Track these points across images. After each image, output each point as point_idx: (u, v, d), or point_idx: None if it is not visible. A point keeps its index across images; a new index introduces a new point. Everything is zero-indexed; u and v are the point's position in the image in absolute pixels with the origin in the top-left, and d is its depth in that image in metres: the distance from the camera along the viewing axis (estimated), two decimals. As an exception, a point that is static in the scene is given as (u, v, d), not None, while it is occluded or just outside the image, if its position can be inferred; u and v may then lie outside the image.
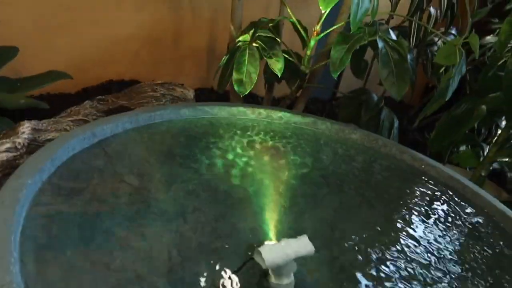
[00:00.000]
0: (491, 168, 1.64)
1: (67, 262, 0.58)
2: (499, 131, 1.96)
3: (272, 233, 0.76)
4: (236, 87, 1.08)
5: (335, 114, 1.83)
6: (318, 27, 1.19)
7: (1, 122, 0.90)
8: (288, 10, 1.23)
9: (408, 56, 1.15)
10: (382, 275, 0.70)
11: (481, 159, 1.58)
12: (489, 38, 1.50)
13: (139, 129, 0.93)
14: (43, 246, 0.58)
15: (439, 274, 0.72)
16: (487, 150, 1.66)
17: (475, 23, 1.49)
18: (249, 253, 0.67)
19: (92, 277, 0.57)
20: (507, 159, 1.53)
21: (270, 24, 1.27)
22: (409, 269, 0.72)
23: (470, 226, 0.85)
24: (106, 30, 1.41)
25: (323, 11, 1.02)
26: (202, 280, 0.62)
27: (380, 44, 1.12)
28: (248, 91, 1.08)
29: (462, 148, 1.81)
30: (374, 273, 0.70)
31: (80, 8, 1.33)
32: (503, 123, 1.96)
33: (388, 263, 0.73)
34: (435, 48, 1.67)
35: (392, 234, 0.80)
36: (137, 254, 0.63)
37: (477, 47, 1.05)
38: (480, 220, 0.87)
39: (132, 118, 0.93)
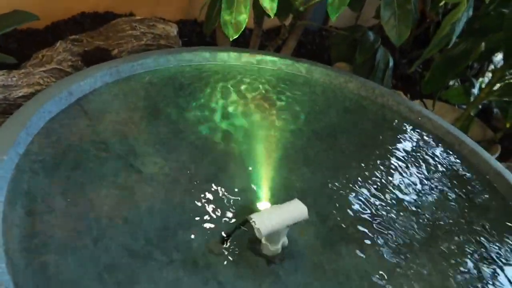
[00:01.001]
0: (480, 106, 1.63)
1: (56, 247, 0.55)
2: (491, 67, 1.93)
3: (263, 194, 0.74)
4: (225, 30, 0.98)
5: (326, 47, 1.75)
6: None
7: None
8: None
9: (412, -4, 1.06)
10: (375, 232, 0.70)
11: (471, 98, 1.56)
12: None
13: (120, 82, 0.86)
14: (28, 235, 0.55)
15: (428, 229, 0.73)
16: (477, 87, 1.64)
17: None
18: (241, 217, 0.65)
19: (80, 255, 0.55)
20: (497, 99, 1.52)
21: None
22: (401, 226, 0.73)
23: (464, 184, 0.85)
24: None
25: None
26: (194, 245, 0.61)
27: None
28: (239, 34, 0.99)
29: (452, 82, 1.78)
30: (366, 231, 0.70)
31: None
32: (497, 58, 1.92)
33: (380, 220, 0.73)
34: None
35: (386, 190, 0.79)
36: (125, 224, 0.61)
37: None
38: (475, 178, 0.87)
39: (112, 70, 0.85)
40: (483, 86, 1.59)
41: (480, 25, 1.32)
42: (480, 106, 1.64)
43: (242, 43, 1.47)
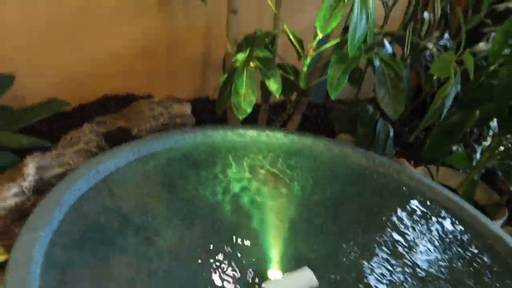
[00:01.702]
0: (483, 170, 1.68)
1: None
2: (491, 132, 2.01)
3: (274, 263, 0.79)
4: (235, 111, 1.09)
5: (329, 119, 1.85)
6: (314, 44, 1.19)
7: (3, 156, 0.90)
8: (285, 27, 1.23)
9: (404, 74, 1.17)
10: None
11: (474, 162, 1.61)
12: (482, 45, 1.51)
13: (141, 159, 0.94)
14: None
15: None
16: (479, 152, 1.70)
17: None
18: (254, 286, 0.69)
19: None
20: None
21: (266, 40, 1.28)
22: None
23: (466, 249, 0.89)
24: (100, 44, 1.40)
25: (320, 35, 1.02)
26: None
27: (377, 63, 1.13)
28: (248, 114, 1.09)
29: (455, 148, 1.85)
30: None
31: (73, 24, 1.31)
32: (494, 123, 2.00)
33: (385, 285, 0.76)
34: (429, 53, 1.68)
35: (391, 257, 0.83)
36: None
37: (471, 68, 1.07)
38: (476, 243, 0.90)
39: (135, 149, 0.94)
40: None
41: (472, 96, 1.42)
42: (483, 170, 1.69)
43: (251, 117, 1.59)
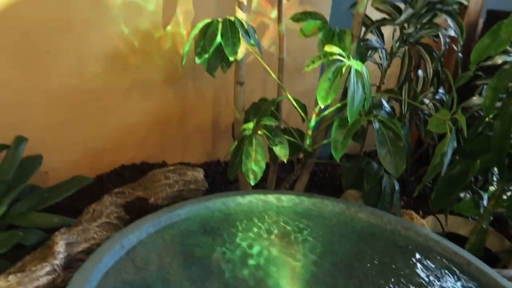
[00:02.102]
0: (491, 217, 1.71)
1: None
2: (495, 178, 2.05)
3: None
4: (247, 177, 1.16)
5: (337, 175, 1.92)
6: (317, 109, 1.28)
7: (33, 234, 0.97)
8: (288, 95, 1.33)
9: (403, 132, 1.24)
10: None
11: (481, 209, 1.64)
12: (475, 99, 1.60)
13: (161, 231, 1.00)
14: None
15: None
16: (486, 198, 1.74)
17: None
18: None
19: None
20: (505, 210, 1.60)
21: (272, 108, 1.37)
22: None
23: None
24: (116, 118, 1.50)
25: (322, 105, 1.11)
26: None
27: (376, 125, 1.21)
28: (259, 179, 1.16)
29: (462, 195, 1.88)
30: None
31: (91, 101, 1.42)
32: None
33: None
34: (426, 106, 1.77)
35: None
36: None
37: (464, 125, 1.14)
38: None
39: (155, 221, 1.00)
40: (492, 196, 1.68)
41: (472, 147, 1.49)
42: (491, 217, 1.71)
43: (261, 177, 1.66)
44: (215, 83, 1.62)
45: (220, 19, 1.22)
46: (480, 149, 1.44)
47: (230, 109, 1.51)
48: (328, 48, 1.09)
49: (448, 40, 1.46)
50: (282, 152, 1.20)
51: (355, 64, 1.09)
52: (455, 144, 1.21)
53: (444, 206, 1.54)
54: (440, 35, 1.42)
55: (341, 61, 1.10)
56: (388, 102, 1.51)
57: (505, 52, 1.53)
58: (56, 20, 1.25)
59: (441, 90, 1.75)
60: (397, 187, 1.48)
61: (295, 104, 1.34)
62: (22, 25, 1.19)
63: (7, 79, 1.22)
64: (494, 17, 2.14)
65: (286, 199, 1.18)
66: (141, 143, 1.58)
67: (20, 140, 1.01)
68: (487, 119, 1.46)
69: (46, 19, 1.23)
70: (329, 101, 1.08)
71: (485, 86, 1.73)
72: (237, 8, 1.32)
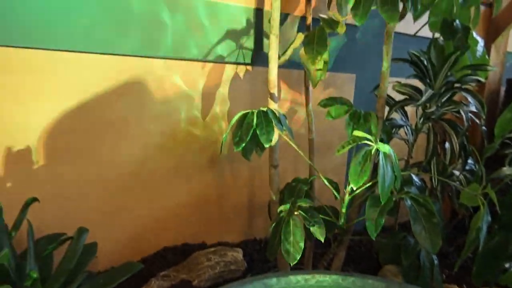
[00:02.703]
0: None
1: None
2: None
3: None
4: (286, 258, 1.20)
5: (374, 248, 1.92)
6: (349, 189, 1.35)
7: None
8: (320, 175, 1.41)
9: (436, 208, 1.28)
10: None
11: (528, 281, 1.59)
12: (505, 170, 1.62)
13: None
14: None
15: None
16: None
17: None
18: None
19: None
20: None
21: (305, 188, 1.45)
22: None
23: None
24: (160, 202, 1.61)
25: (355, 187, 1.18)
26: None
27: (408, 203, 1.25)
28: (298, 259, 1.20)
29: (507, 265, 1.83)
30: None
31: (137, 187, 1.54)
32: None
33: None
34: (456, 177, 1.80)
35: None
36: None
37: (495, 200, 1.18)
38: None
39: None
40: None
41: (508, 219, 1.49)
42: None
43: (298, 255, 1.69)
44: (250, 165, 1.73)
45: (254, 111, 1.34)
46: (517, 219, 1.45)
47: (265, 189, 1.60)
48: (357, 133, 1.19)
49: (470, 115, 1.53)
50: (318, 232, 1.25)
51: (383, 147, 1.17)
52: (489, 218, 1.23)
53: (488, 279, 1.51)
54: (462, 112, 1.49)
55: (369, 145, 1.18)
56: (418, 174, 1.56)
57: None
58: (102, 118, 1.41)
59: (470, 161, 1.79)
60: (436, 261, 1.47)
61: (327, 184, 1.41)
62: (73, 126, 1.35)
63: (60, 173, 1.36)
64: (514, 86, 2.22)
65: (326, 279, 1.21)
66: (183, 225, 1.67)
67: (82, 231, 1.11)
68: (520, 189, 1.48)
69: (94, 118, 1.39)
70: (361, 183, 1.15)
71: (514, 155, 1.77)
72: (269, 99, 1.46)
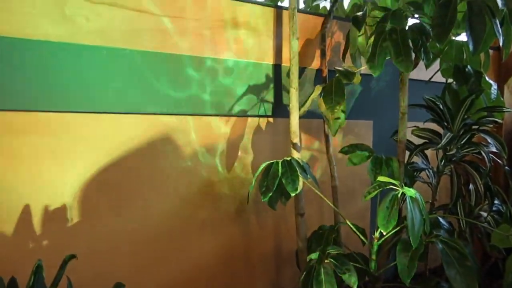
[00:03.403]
0: None
1: None
2: None
3: None
4: (319, 308, 1.19)
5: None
6: (377, 234, 1.35)
7: None
8: (347, 222, 1.42)
9: (468, 250, 1.27)
10: None
11: None
12: (534, 209, 1.61)
13: None
14: None
15: None
16: None
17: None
18: None
19: None
20: None
21: (333, 235, 1.46)
22: None
23: None
24: (188, 256, 1.62)
25: (384, 232, 1.19)
26: None
27: (439, 246, 1.25)
28: (331, 309, 1.19)
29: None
30: None
31: (167, 243, 1.56)
32: None
33: None
34: (483, 217, 1.78)
35: None
36: None
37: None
38: None
39: None
40: None
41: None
42: None
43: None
44: (275, 214, 1.74)
45: (279, 161, 1.39)
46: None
47: (291, 237, 1.61)
48: (382, 178, 1.21)
49: (491, 155, 1.55)
50: (351, 280, 1.24)
51: (409, 191, 1.19)
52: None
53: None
54: (483, 153, 1.52)
55: (395, 189, 1.20)
56: (444, 217, 1.56)
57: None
58: (132, 173, 1.47)
59: (496, 201, 1.78)
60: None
61: (355, 230, 1.42)
62: (105, 183, 1.41)
63: (94, 229, 1.40)
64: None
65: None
66: (211, 277, 1.66)
67: (118, 286, 1.13)
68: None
69: (125, 174, 1.45)
70: (390, 228, 1.16)
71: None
72: (292, 149, 1.51)
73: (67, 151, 1.34)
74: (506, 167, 1.62)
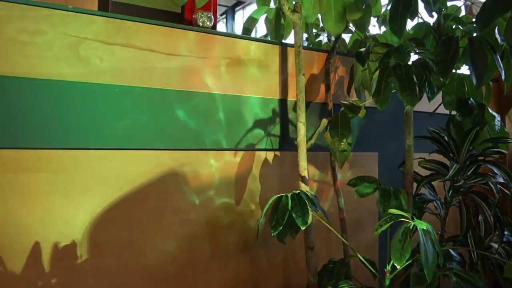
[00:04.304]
0: None
1: None
2: None
3: None
4: None
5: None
6: (390, 268, 1.34)
7: None
8: (358, 255, 1.41)
9: (481, 284, 1.25)
10: None
11: None
12: (545, 238, 1.60)
13: None
14: None
15: None
16: None
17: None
18: None
19: None
20: None
21: (344, 270, 1.44)
22: None
23: None
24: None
25: (398, 266, 1.18)
26: None
27: (453, 279, 1.24)
28: None
29: None
30: None
31: (176, 277, 1.54)
32: None
33: None
34: (495, 249, 1.76)
35: None
36: None
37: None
38: None
39: None
40: None
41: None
42: None
43: None
44: (284, 247, 1.73)
45: (288, 194, 1.39)
46: None
47: (300, 271, 1.59)
48: (393, 211, 1.22)
49: (499, 186, 1.56)
50: (365, 315, 1.22)
51: (420, 224, 1.19)
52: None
53: None
54: (491, 184, 1.52)
55: (406, 222, 1.21)
56: (455, 249, 1.55)
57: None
58: (141, 209, 1.47)
59: (506, 232, 1.77)
60: None
61: (366, 263, 1.40)
62: (115, 218, 1.41)
63: (103, 266, 1.39)
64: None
65: None
66: (219, 315, 1.63)
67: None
68: None
69: (134, 209, 1.45)
70: (404, 261, 1.15)
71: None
72: (300, 182, 1.52)
73: (78, 188, 1.35)
74: (514, 198, 1.63)
